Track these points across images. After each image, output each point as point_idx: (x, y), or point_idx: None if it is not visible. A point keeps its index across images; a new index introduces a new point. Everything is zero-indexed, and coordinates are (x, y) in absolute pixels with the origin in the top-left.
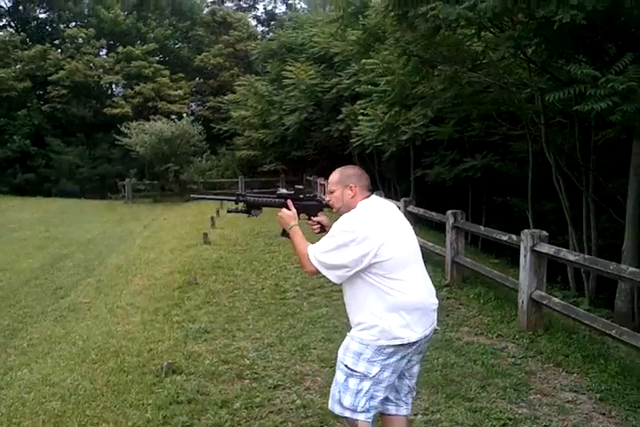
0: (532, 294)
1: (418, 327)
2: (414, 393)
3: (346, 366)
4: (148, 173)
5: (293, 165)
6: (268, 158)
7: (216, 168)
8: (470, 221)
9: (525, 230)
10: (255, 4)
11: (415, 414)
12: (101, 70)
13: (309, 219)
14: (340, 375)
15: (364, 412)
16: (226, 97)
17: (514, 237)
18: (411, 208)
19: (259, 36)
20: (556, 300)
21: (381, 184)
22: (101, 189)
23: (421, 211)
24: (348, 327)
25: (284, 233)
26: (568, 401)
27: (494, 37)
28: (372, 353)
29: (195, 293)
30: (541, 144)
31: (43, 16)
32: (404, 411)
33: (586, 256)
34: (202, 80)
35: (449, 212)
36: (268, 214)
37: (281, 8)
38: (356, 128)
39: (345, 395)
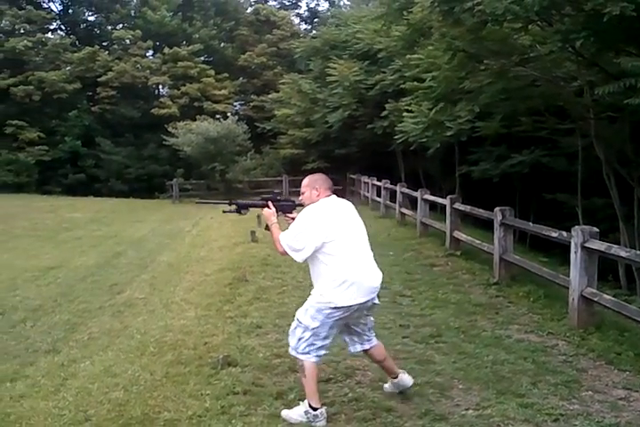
0: (582, 292)
1: (351, 296)
2: (372, 330)
3: (297, 318)
4: (193, 173)
5: (337, 163)
6: (311, 157)
7: (260, 167)
8: (518, 218)
9: (576, 227)
10: (298, 1)
11: (467, 409)
12: (148, 71)
13: (286, 215)
14: (292, 324)
15: (304, 353)
16: (269, 96)
17: (564, 233)
18: (457, 205)
19: (301, 35)
20: (608, 297)
21: (425, 181)
22: (149, 188)
23: (468, 208)
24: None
25: (267, 227)
26: (621, 398)
27: (542, 31)
28: (315, 312)
29: (245, 289)
30: (591, 139)
31: (91, 19)
32: (368, 344)
33: (638, 252)
34: (246, 79)
35: (497, 208)
36: None
37: (324, 5)
38: (399, 125)
39: (292, 338)
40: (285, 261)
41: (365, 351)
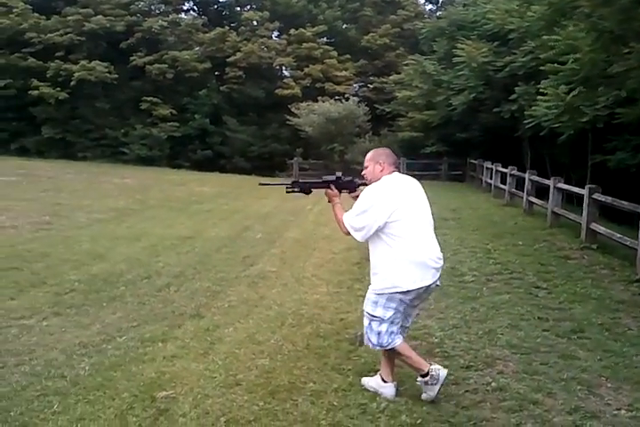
0: None
1: (418, 279)
2: (409, 327)
3: (367, 313)
4: (312, 153)
5: (457, 148)
6: (430, 140)
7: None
8: None
9: None
10: None
11: (618, 409)
12: (274, 52)
13: (350, 194)
14: (365, 320)
15: (390, 343)
16: (390, 77)
17: None
18: (596, 196)
19: (426, 15)
20: None
21: (552, 170)
22: (270, 166)
23: (609, 199)
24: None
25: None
26: None
27: None
28: (386, 301)
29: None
30: None
31: (222, 0)
32: (404, 333)
33: None
34: (367, 61)
35: None
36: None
37: None
38: (531, 109)
39: (371, 335)
40: None
41: None
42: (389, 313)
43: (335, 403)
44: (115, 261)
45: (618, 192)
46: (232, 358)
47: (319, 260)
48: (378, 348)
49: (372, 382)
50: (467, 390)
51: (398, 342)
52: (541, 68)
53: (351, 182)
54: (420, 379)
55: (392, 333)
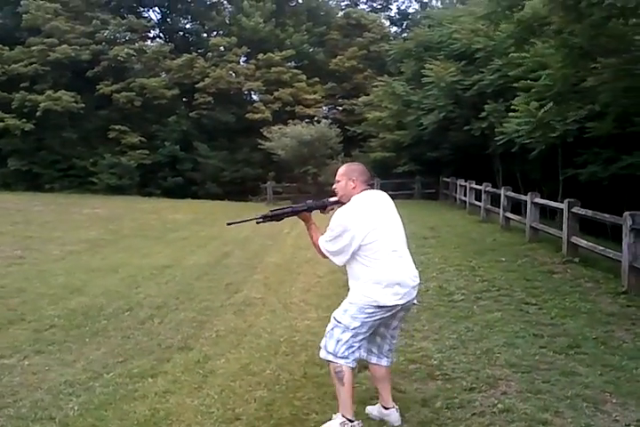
0: None
1: (394, 297)
2: (393, 350)
3: (334, 318)
4: (285, 176)
5: (429, 166)
6: (402, 160)
7: None
8: None
9: None
10: (388, 4)
11: (627, 425)
12: (243, 77)
13: (322, 212)
14: (329, 326)
15: (342, 358)
16: (359, 99)
17: None
18: (576, 209)
19: (392, 37)
20: None
21: (523, 185)
22: (242, 191)
23: (590, 212)
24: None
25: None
26: None
27: None
28: (356, 311)
29: None
30: None
31: (188, 26)
32: (384, 362)
33: None
34: (336, 83)
35: (627, 213)
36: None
37: (414, 7)
38: (502, 126)
39: (330, 341)
40: None
41: (370, 364)
42: (355, 323)
43: None
44: (93, 295)
45: (590, 205)
46: (228, 391)
47: (305, 284)
48: (330, 357)
49: (374, 410)
50: (473, 413)
51: (352, 365)
52: (514, 84)
53: (322, 203)
54: (337, 422)
55: (351, 347)
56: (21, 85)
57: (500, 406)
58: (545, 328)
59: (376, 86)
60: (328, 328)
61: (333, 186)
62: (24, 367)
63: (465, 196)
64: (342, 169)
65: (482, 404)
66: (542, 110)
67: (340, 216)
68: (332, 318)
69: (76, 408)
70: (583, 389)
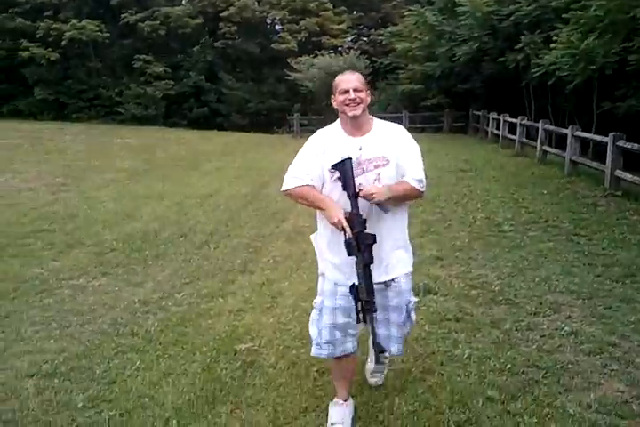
0: None
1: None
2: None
3: (414, 302)
4: (311, 108)
5: (458, 100)
6: (431, 92)
7: (377, 102)
8: None
9: None
10: None
11: None
12: (268, 6)
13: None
14: (412, 314)
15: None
16: (387, 29)
17: None
18: (621, 143)
19: None
20: None
21: (555, 119)
22: (267, 123)
23: (636, 146)
24: None
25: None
26: None
27: None
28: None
29: (410, 221)
30: None
31: None
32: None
33: None
34: (363, 13)
35: None
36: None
37: None
38: (539, 58)
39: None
40: (439, 197)
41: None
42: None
43: (420, 351)
44: (146, 220)
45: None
46: (300, 310)
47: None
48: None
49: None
50: (542, 335)
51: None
52: (563, 15)
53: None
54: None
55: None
56: (45, 14)
57: (567, 329)
58: (598, 258)
59: (405, 16)
60: (409, 314)
61: (350, 94)
62: (95, 288)
63: (498, 129)
64: (361, 77)
65: (549, 327)
66: (585, 42)
67: (411, 137)
68: (409, 302)
69: (156, 324)
70: None
